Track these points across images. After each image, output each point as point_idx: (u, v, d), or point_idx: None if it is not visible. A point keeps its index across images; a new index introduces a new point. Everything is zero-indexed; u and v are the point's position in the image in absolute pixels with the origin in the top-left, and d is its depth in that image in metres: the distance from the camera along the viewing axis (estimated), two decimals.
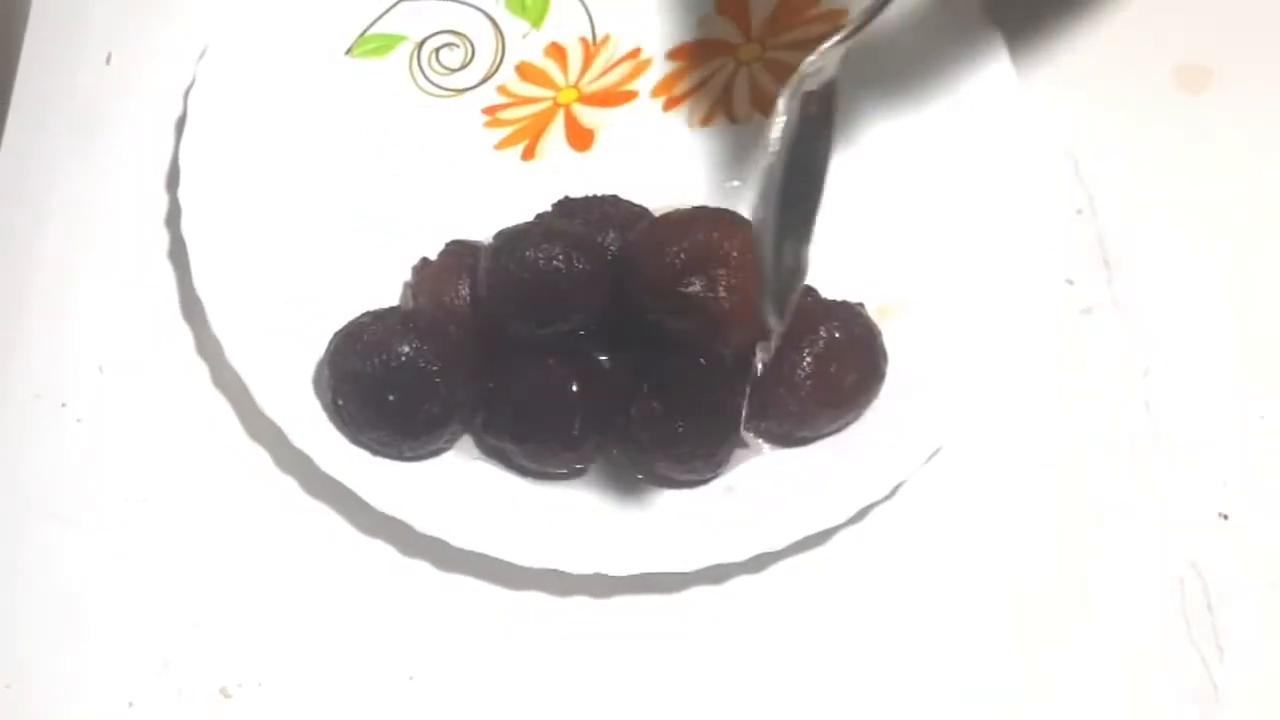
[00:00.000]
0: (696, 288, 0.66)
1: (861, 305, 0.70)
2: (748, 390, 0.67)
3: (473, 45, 0.79)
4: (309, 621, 0.68)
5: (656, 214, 0.71)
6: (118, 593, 0.68)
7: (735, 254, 0.66)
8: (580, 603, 0.68)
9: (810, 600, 0.67)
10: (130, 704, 0.66)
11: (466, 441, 0.70)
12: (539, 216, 0.72)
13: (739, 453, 0.70)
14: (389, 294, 0.73)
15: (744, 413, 0.68)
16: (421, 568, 0.68)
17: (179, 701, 0.66)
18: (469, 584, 0.68)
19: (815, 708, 0.66)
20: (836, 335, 0.68)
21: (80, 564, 0.68)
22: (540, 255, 0.66)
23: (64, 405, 0.71)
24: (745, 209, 0.64)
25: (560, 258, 0.66)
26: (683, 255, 0.66)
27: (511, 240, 0.67)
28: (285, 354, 0.69)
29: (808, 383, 0.67)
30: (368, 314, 0.68)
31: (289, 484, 0.70)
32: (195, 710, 0.66)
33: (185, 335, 0.72)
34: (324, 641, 0.68)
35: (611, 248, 0.70)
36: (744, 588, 0.67)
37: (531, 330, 0.67)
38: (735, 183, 0.76)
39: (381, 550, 0.69)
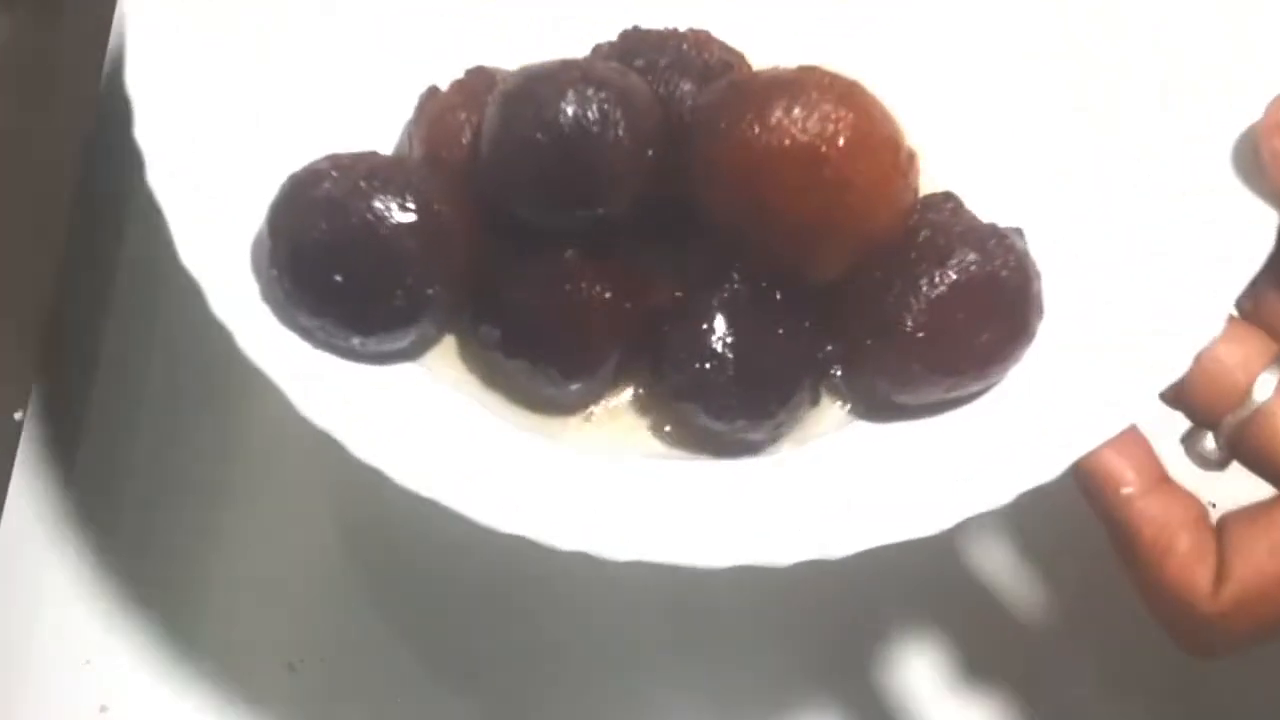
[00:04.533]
0: (783, 182, 0.47)
1: (1019, 231, 0.49)
2: (830, 328, 0.50)
3: None
4: None
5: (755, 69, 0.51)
6: None
7: (844, 140, 0.47)
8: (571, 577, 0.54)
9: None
10: None
11: (451, 348, 0.52)
12: (594, 50, 0.52)
13: (809, 414, 0.51)
14: (388, 137, 0.55)
15: (821, 359, 0.51)
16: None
17: None
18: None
19: None
20: (972, 269, 0.48)
21: None
22: (566, 110, 0.47)
23: None
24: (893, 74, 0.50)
25: (594, 117, 0.48)
26: (770, 133, 0.47)
27: (528, 84, 0.48)
28: (234, 201, 0.52)
29: (919, 334, 0.48)
30: (329, 158, 0.50)
31: None
32: None
33: None
34: None
35: (681, 106, 0.50)
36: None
37: (545, 214, 0.49)
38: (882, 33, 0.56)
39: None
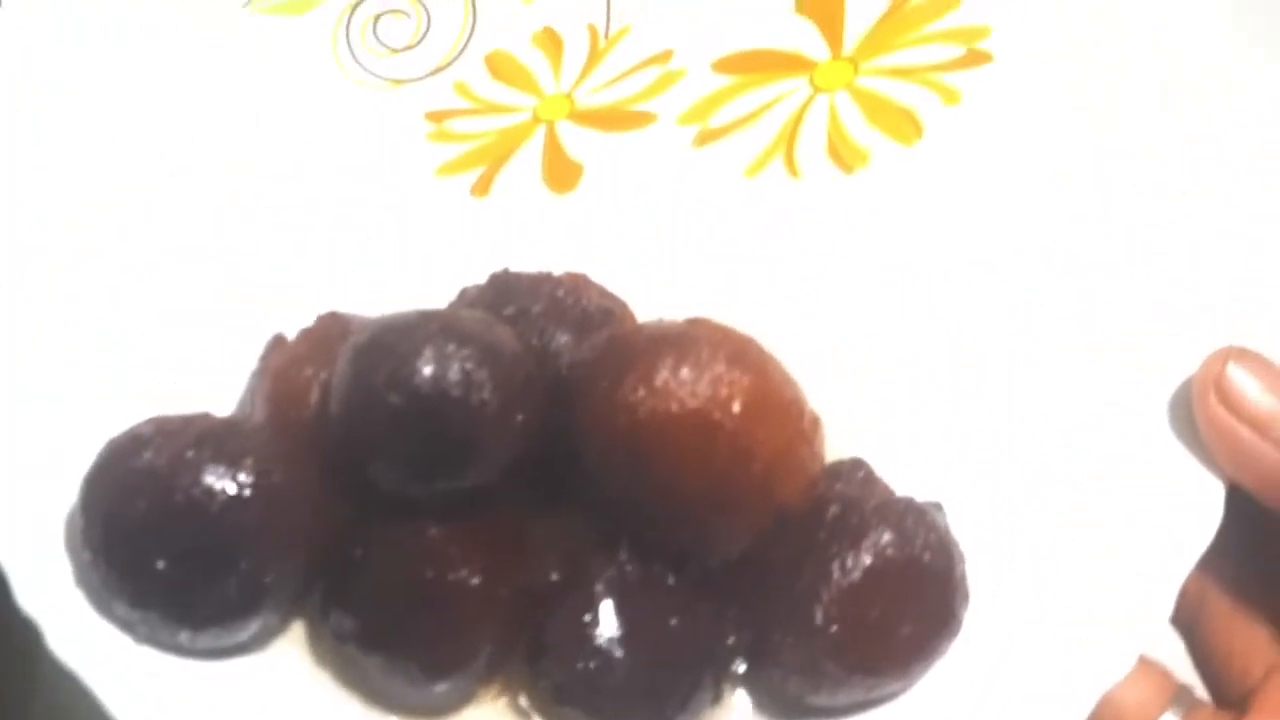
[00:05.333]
0: (673, 452, 0.41)
1: (939, 506, 0.44)
2: (733, 616, 0.44)
3: (429, 16, 0.54)
4: None
5: (640, 319, 0.46)
6: None
7: (740, 405, 0.41)
8: None
9: None
10: None
11: (300, 637, 0.44)
12: (460, 295, 0.47)
13: (710, 713, 0.44)
14: (231, 392, 0.48)
15: (723, 652, 0.44)
16: None
17: None
18: None
19: None
20: (889, 553, 0.42)
21: None
22: (423, 370, 0.41)
23: None
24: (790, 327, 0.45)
25: (456, 377, 0.41)
26: (653, 403, 0.40)
27: (382, 337, 0.42)
28: (49, 471, 0.45)
29: (832, 628, 0.42)
30: (153, 421, 0.43)
31: None
32: None
33: None
34: None
35: (556, 361, 0.44)
36: None
37: (402, 486, 0.42)
38: (783, 278, 0.50)
39: None
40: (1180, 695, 0.44)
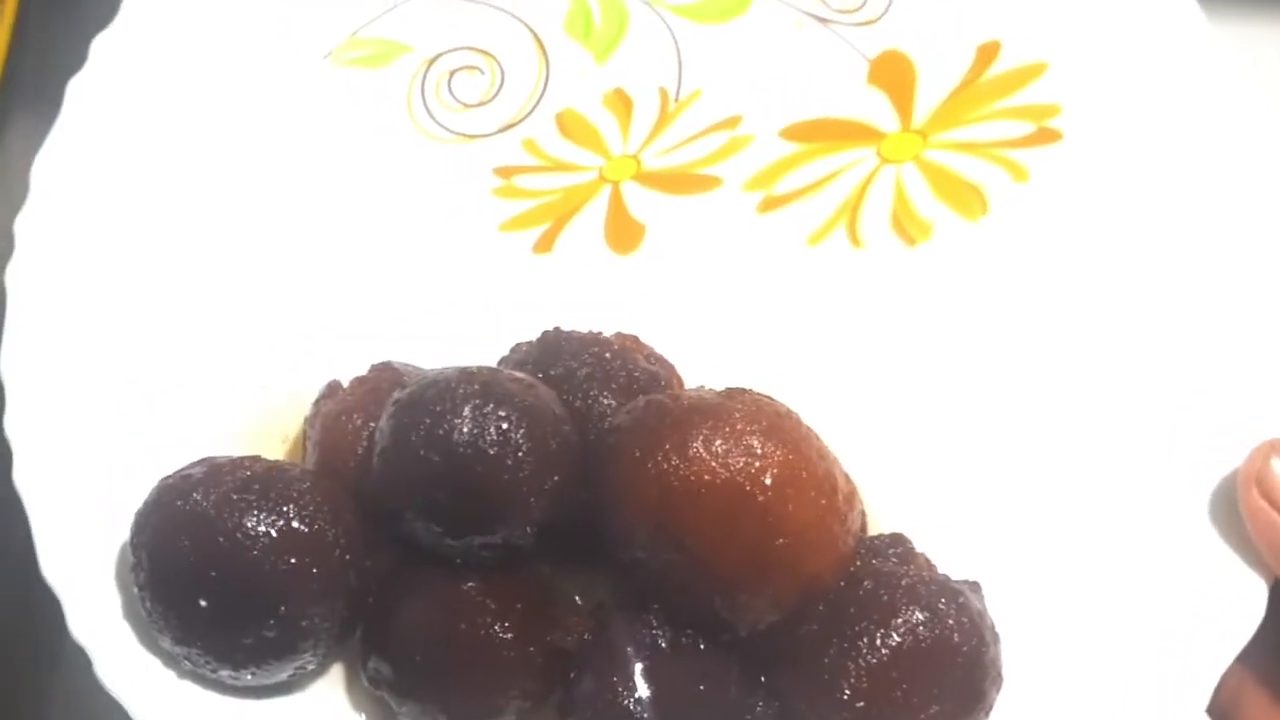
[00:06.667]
0: (703, 522, 0.41)
1: (975, 585, 0.43)
2: (761, 686, 0.44)
3: (502, 72, 0.55)
4: None
5: (690, 384, 0.46)
6: None
7: (771, 478, 0.41)
8: None
9: None
10: None
11: (338, 676, 0.45)
12: (512, 350, 0.47)
13: None
14: (290, 428, 0.49)
15: None
16: None
17: None
18: None
19: None
20: (920, 631, 0.42)
21: None
22: (461, 429, 0.42)
23: None
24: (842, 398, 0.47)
25: (493, 437, 0.41)
26: (686, 472, 0.40)
27: (423, 395, 0.43)
28: (108, 506, 0.46)
29: (857, 704, 0.42)
30: (204, 462, 0.44)
31: None
32: None
33: None
34: None
35: (598, 423, 0.44)
36: None
37: (439, 540, 0.43)
38: (838, 348, 0.50)
39: None
40: None
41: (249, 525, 0.43)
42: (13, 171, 0.51)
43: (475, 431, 0.42)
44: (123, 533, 0.45)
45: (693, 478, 0.41)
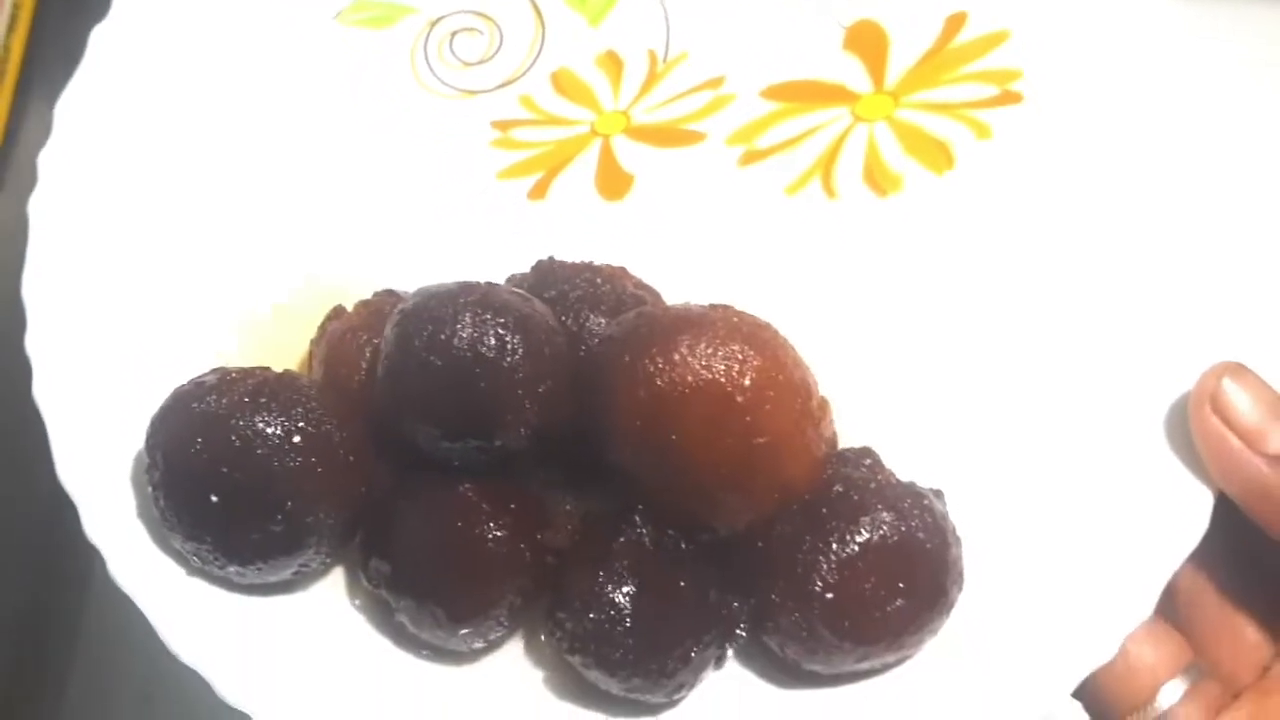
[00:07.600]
0: (687, 422, 0.44)
1: (938, 492, 0.46)
2: (739, 584, 0.46)
3: (501, 34, 0.58)
4: None
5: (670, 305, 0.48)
6: None
7: (750, 380, 0.44)
8: None
9: None
10: None
11: (338, 578, 0.48)
12: (507, 280, 0.50)
13: (713, 679, 0.46)
14: (297, 351, 0.52)
15: (728, 616, 0.47)
16: None
17: None
18: None
19: None
20: (884, 529, 0.45)
21: None
22: (461, 333, 0.44)
23: None
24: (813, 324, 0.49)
25: (491, 342, 0.44)
26: (671, 375, 0.43)
27: (426, 303, 0.46)
28: (124, 415, 0.49)
29: (827, 595, 0.44)
30: (216, 371, 0.47)
31: None
32: None
33: None
34: None
35: (589, 341, 0.47)
36: None
37: (436, 442, 0.45)
38: (811, 283, 0.53)
39: None
40: (1192, 668, 0.46)
41: (259, 426, 0.46)
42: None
43: (474, 336, 0.45)
44: (135, 443, 0.48)
45: (678, 379, 0.44)
